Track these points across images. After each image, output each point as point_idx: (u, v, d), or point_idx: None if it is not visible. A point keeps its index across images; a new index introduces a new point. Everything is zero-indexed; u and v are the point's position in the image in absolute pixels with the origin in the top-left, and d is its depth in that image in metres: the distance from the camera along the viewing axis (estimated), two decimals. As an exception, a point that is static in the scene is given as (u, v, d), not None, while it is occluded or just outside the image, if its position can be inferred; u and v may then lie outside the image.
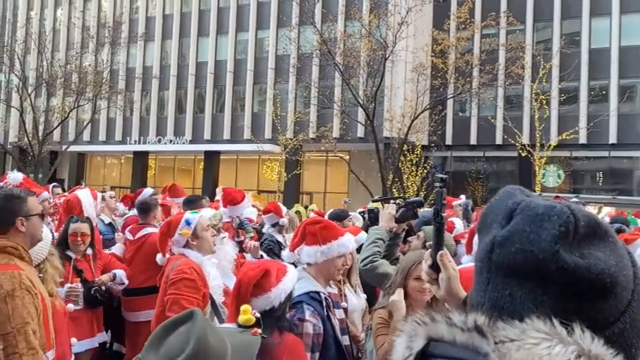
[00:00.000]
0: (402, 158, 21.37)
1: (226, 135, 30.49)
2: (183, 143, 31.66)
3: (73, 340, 3.39)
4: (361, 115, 22.24)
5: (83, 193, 5.13)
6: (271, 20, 29.79)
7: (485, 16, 23.07)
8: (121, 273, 4.66)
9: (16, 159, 27.57)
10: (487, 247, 0.85)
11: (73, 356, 3.30)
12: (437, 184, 1.68)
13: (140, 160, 33.55)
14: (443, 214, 1.59)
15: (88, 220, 4.63)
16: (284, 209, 6.72)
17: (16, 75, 26.57)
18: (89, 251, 4.51)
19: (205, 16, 32.05)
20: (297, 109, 28.13)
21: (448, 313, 0.79)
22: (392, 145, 21.86)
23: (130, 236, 5.18)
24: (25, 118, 26.19)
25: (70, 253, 4.37)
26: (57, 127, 27.47)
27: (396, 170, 20.77)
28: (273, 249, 6.01)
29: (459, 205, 7.48)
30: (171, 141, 32.01)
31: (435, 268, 1.51)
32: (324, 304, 2.77)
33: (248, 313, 1.92)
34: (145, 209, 5.29)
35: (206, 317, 1.38)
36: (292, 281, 2.49)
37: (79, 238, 4.38)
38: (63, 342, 2.98)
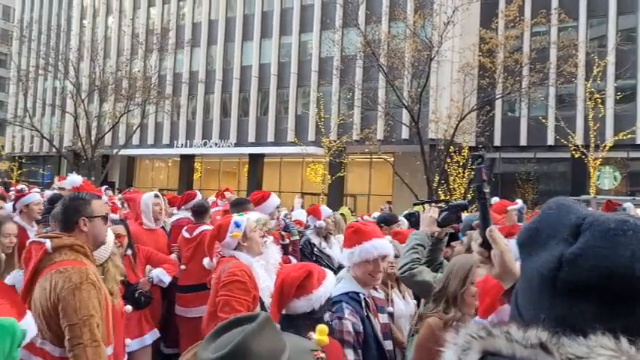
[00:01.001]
0: (448, 160, 20.93)
1: (270, 138, 30.71)
2: (228, 146, 32.08)
3: (127, 340, 3.46)
4: (406, 117, 21.94)
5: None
6: (314, 23, 29.86)
7: (535, 14, 22.38)
8: (158, 272, 4.62)
9: (71, 162, 28.57)
10: (551, 265, 0.83)
11: (126, 356, 3.36)
12: (476, 162, 1.71)
13: (187, 163, 34.23)
14: (485, 190, 1.62)
15: (122, 221, 4.70)
16: (325, 211, 6.61)
17: (70, 82, 27.58)
18: (128, 252, 4.55)
19: (250, 20, 32.42)
20: (340, 111, 28.06)
21: (506, 328, 0.79)
22: (437, 147, 21.46)
23: (187, 235, 5.29)
24: (79, 123, 27.10)
25: None
26: (108, 131, 28.32)
27: (442, 172, 20.36)
28: (304, 250, 6.01)
29: (515, 210, 7.14)
30: (216, 144, 32.52)
31: (485, 245, 1.48)
32: (364, 304, 2.78)
33: (324, 334, 1.82)
34: (201, 212, 5.49)
35: (273, 324, 1.32)
36: (332, 285, 2.51)
37: (117, 240, 4.39)
38: (119, 341, 3.06)
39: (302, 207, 7.14)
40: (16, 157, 43.31)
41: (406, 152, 24.57)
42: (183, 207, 6.23)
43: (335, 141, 26.62)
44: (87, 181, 8.09)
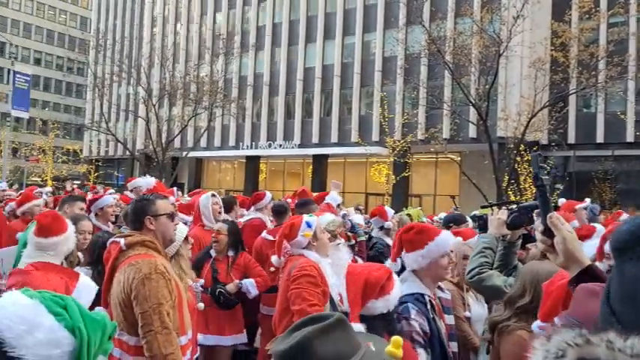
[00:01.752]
0: (519, 159, 20.12)
1: (334, 138, 30.78)
2: (292, 147, 32.41)
3: (204, 335, 3.63)
4: (473, 115, 21.35)
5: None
6: (378, 22, 29.68)
7: (612, 4, 21.15)
8: (249, 283, 4.70)
9: (143, 164, 29.79)
10: None
11: (199, 349, 3.47)
12: (533, 150, 1.63)
13: (252, 164, 34.88)
14: (542, 177, 1.63)
15: (230, 222, 4.91)
16: (390, 212, 6.48)
17: (142, 88, 28.75)
18: (230, 253, 4.68)
19: (313, 22, 32.62)
20: (405, 110, 27.72)
21: (605, 335, 0.75)
22: (507, 146, 20.71)
23: (269, 237, 5.31)
24: (150, 127, 28.19)
25: (212, 252, 4.64)
26: (178, 134, 29.31)
27: (511, 172, 19.61)
28: (384, 252, 5.87)
29: (584, 208, 6.72)
30: (280, 145, 32.94)
31: (547, 233, 1.43)
32: (429, 306, 2.80)
33: (399, 346, 1.74)
34: (281, 212, 5.53)
35: (347, 326, 1.29)
36: (400, 287, 2.56)
37: (214, 237, 4.65)
38: (192, 334, 3.18)
39: (339, 207, 7.09)
40: (93, 160, 45.73)
41: (473, 151, 23.91)
42: (253, 207, 6.29)
43: (399, 141, 26.31)
44: (160, 183, 8.38)
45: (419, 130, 26.14)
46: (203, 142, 34.35)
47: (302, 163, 33.78)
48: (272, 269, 4.70)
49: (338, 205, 6.65)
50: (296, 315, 2.97)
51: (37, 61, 58.83)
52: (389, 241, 6.07)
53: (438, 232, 3.00)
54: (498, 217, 3.19)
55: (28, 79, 32.37)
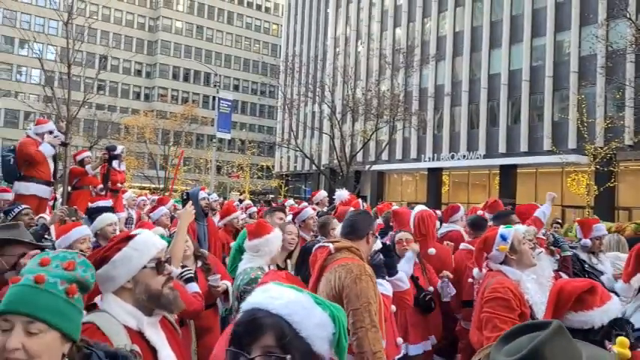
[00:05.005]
0: None
1: (523, 147, 29.05)
2: (477, 158, 31.28)
3: (399, 339, 3.57)
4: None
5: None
6: (572, 20, 27.40)
7: None
8: (447, 287, 4.72)
9: (328, 178, 31.16)
10: None
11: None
12: None
13: (434, 176, 34.37)
14: None
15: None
16: (597, 230, 5.64)
17: (327, 105, 30.18)
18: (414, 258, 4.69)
19: (497, 27, 31.32)
20: (607, 113, 24.92)
21: None
22: None
23: (469, 247, 5.21)
24: (335, 142, 29.42)
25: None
26: (360, 149, 30.13)
27: None
28: (574, 267, 5.31)
29: None
30: (464, 156, 32.00)
31: None
32: None
33: (625, 346, 1.65)
34: (479, 225, 5.40)
35: (567, 333, 1.26)
36: (617, 309, 2.28)
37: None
38: (389, 339, 3.27)
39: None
40: (284, 175, 49.27)
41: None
42: (449, 220, 6.18)
43: (602, 147, 23.72)
44: (353, 196, 8.56)
45: (626, 135, 23.31)
46: (385, 156, 34.82)
47: (488, 174, 32.32)
48: (470, 280, 4.67)
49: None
50: (486, 342, 2.83)
51: (236, 87, 65.59)
52: (584, 256, 5.43)
53: None
54: None
55: (230, 103, 36.07)
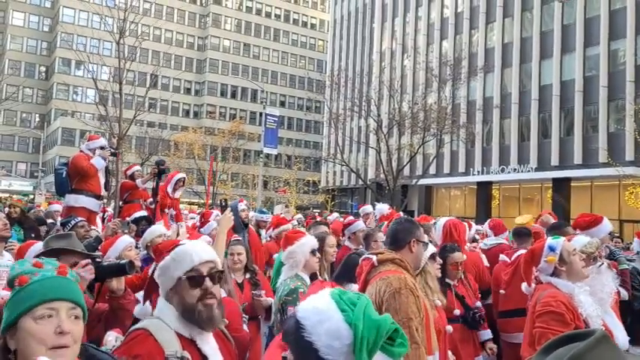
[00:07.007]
0: None
1: (577, 159, 28.10)
2: (528, 171, 30.48)
3: (450, 354, 3.52)
4: None
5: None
6: (627, 27, 26.50)
7: None
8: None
9: (374, 192, 30.93)
10: None
11: None
12: None
13: (484, 190, 33.60)
14: None
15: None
16: None
17: (373, 119, 30.07)
18: (460, 275, 4.64)
19: (548, 37, 30.61)
20: (667, 123, 23.83)
21: None
22: None
23: (506, 258, 5.30)
24: (381, 156, 29.23)
25: (448, 280, 4.51)
26: (407, 163, 29.81)
27: None
28: (633, 281, 5.31)
29: None
30: (515, 169, 31.21)
31: None
32: None
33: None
34: (522, 235, 5.42)
35: (613, 344, 1.15)
36: None
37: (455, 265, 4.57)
38: (441, 355, 3.17)
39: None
40: (330, 190, 49.28)
41: None
42: (499, 235, 6.27)
43: (662, 159, 22.62)
44: (393, 210, 8.43)
45: (689, 146, 22.14)
46: (432, 169, 34.33)
47: (539, 187, 31.37)
48: (502, 292, 4.86)
49: (610, 233, 5.93)
50: None
51: (282, 103, 66.42)
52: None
53: None
54: None
55: (277, 119, 36.55)
